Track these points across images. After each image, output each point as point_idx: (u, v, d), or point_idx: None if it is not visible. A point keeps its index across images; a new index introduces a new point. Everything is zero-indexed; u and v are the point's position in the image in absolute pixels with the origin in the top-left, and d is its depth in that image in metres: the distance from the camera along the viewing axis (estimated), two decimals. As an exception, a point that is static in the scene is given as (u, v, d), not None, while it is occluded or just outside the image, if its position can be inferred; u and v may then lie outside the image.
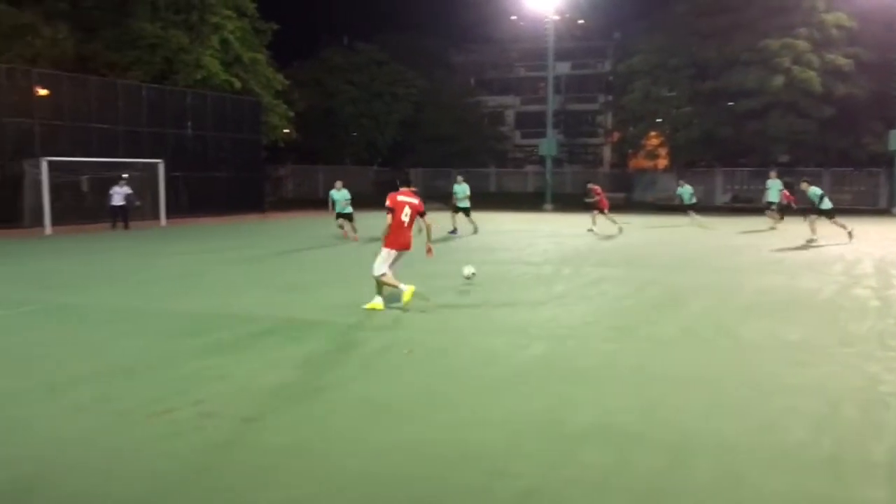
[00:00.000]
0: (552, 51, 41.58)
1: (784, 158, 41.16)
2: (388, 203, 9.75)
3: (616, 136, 56.10)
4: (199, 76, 33.76)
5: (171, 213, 28.88)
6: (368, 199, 34.48)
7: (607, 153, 63.19)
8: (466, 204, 23.00)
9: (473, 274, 11.84)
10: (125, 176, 26.22)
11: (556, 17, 41.85)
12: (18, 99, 26.34)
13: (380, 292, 9.91)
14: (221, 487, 4.35)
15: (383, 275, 9.72)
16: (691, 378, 6.66)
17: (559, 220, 30.48)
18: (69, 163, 26.02)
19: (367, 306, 9.81)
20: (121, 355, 7.51)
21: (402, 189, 9.93)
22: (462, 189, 23.03)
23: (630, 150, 52.16)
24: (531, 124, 62.84)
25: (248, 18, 38.00)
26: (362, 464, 4.68)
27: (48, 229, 23.71)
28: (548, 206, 40.29)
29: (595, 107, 63.55)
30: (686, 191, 27.39)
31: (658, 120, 46.37)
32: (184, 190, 32.50)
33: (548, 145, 42.23)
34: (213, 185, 33.91)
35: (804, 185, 20.39)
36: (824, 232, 19.87)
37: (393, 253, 9.79)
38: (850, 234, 19.43)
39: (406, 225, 9.79)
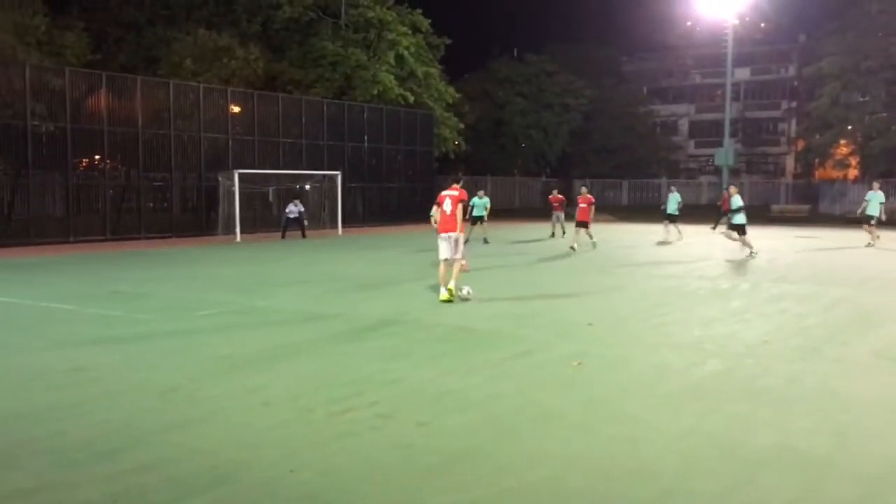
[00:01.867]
0: (731, 56, 39.88)
1: None
2: (437, 200, 11.80)
3: (801, 144, 53.04)
4: (375, 91, 35.20)
5: (347, 223, 30.23)
6: (537, 211, 34.48)
7: (790, 163, 59.75)
8: (482, 213, 23.76)
9: (469, 293, 11.45)
10: (306, 187, 27.75)
11: (736, 21, 40.13)
12: (215, 116, 28.57)
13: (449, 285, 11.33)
14: (395, 487, 4.49)
15: (444, 260, 11.35)
16: (888, 404, 6.15)
17: (736, 232, 29.08)
18: (257, 175, 27.94)
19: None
20: (301, 356, 7.95)
21: (452, 186, 11.66)
22: (482, 202, 23.82)
23: (816, 160, 49.05)
24: (706, 133, 60.64)
25: (423, 34, 39.19)
26: (532, 473, 4.68)
27: (238, 237, 25.49)
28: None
29: (777, 114, 60.35)
30: (675, 198, 24.95)
31: (849, 127, 43.30)
32: (359, 200, 34.00)
33: (725, 155, 40.45)
34: (387, 196, 35.22)
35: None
36: None
37: (443, 236, 11.35)
38: None
39: (448, 213, 11.34)
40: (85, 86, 25.41)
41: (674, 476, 4.63)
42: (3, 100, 23.12)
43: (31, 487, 4.46)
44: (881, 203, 22.33)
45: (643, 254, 20.24)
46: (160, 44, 33.73)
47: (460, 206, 11.33)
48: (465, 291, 11.39)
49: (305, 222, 26.90)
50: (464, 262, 11.63)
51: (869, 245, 21.97)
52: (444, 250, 11.26)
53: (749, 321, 10.00)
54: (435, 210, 12.29)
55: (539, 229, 28.86)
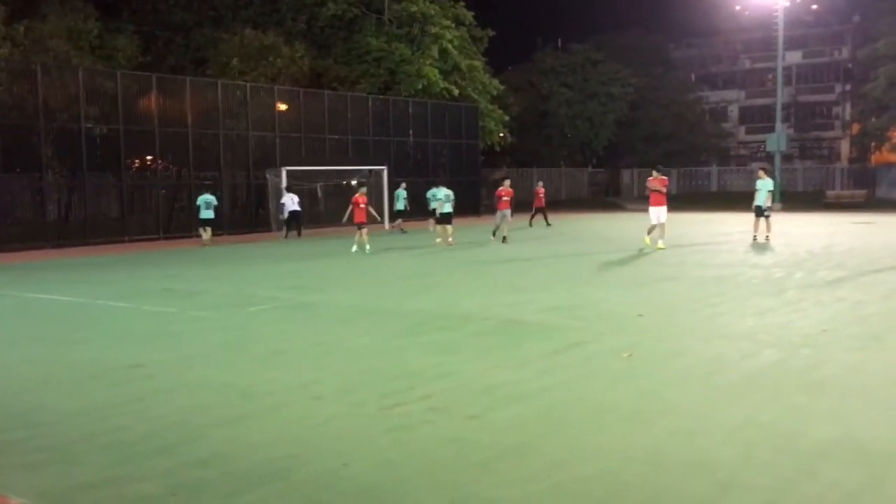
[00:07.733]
0: (782, 39, 38.99)
1: None
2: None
3: (856, 128, 51.69)
4: (419, 86, 35.21)
5: (393, 217, 30.30)
6: (583, 201, 34.13)
7: (845, 147, 58.26)
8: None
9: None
10: (352, 182, 27.88)
11: (787, 3, 39.18)
12: (262, 114, 28.90)
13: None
14: (449, 482, 4.49)
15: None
16: (953, 394, 5.96)
17: (789, 220, 28.50)
18: (305, 171, 28.16)
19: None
20: (352, 350, 8.00)
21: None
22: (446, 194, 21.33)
23: (873, 143, 47.75)
24: (757, 119, 59.47)
25: (466, 27, 39.08)
26: (585, 467, 4.64)
27: (287, 233, 25.69)
28: (776, 205, 37.72)
29: (831, 97, 58.92)
30: (400, 194, 22.92)
31: (906, 109, 42.07)
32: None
33: (776, 140, 39.58)
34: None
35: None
36: None
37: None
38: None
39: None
40: (136, 88, 25.88)
41: (730, 469, 4.55)
42: (58, 103, 23.70)
43: (93, 481, 4.58)
44: (770, 192, 19.77)
45: (693, 243, 19.92)
46: (208, 45, 34.19)
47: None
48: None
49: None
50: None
51: (759, 238, 19.64)
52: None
53: (805, 310, 9.78)
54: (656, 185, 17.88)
55: (588, 220, 28.61)
